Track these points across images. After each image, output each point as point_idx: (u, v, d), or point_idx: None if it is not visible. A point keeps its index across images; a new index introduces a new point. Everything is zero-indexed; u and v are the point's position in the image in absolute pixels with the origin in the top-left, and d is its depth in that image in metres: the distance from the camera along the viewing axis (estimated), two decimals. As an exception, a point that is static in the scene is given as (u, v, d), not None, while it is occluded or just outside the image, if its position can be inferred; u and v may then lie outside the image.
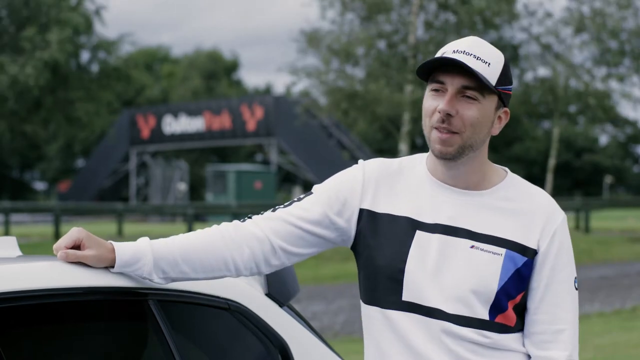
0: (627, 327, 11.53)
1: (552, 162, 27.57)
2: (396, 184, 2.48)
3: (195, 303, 2.66)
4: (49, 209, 30.16)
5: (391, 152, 43.63)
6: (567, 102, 27.42)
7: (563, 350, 2.40)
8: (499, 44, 25.95)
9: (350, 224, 2.48)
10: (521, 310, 2.43)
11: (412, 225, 2.42)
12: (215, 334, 2.75)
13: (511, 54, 26.79)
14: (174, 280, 2.49)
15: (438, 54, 2.40)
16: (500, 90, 2.39)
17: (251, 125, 41.71)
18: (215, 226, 2.53)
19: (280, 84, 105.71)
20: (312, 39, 24.36)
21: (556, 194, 40.03)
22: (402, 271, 2.39)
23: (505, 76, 2.40)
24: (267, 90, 70.49)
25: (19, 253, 2.74)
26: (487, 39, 24.84)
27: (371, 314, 2.45)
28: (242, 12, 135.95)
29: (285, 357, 2.78)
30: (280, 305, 2.87)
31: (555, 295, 2.41)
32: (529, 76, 27.83)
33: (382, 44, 24.10)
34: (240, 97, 50.48)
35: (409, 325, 2.39)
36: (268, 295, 2.87)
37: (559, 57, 26.57)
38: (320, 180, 2.71)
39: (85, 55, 32.45)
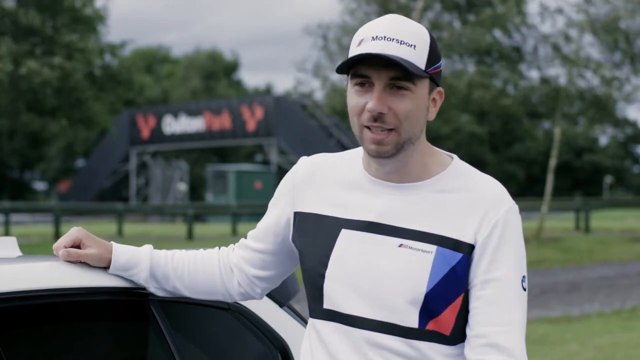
0: (627, 327, 11.52)
1: (553, 162, 27.57)
2: (327, 181, 2.28)
3: (195, 303, 2.65)
4: (49, 209, 30.15)
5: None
6: (570, 102, 27.38)
7: (500, 355, 2.10)
8: (504, 44, 25.99)
9: (288, 232, 2.34)
10: (464, 316, 2.15)
11: (338, 225, 2.20)
12: (215, 334, 2.75)
13: (516, 55, 26.80)
14: (169, 293, 2.48)
15: (355, 41, 2.14)
16: (431, 72, 2.14)
17: (251, 125, 41.70)
18: (217, 249, 2.50)
19: (282, 84, 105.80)
20: (325, 34, 24.68)
21: (556, 194, 40.03)
22: (322, 276, 2.19)
23: (434, 55, 2.14)
24: (267, 91, 70.47)
25: (19, 253, 2.73)
26: (490, 37, 24.98)
27: (308, 326, 2.31)
28: (250, 12, 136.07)
29: (285, 357, 2.78)
30: (280, 305, 2.87)
31: (494, 293, 2.11)
32: (533, 76, 27.86)
33: None
34: (240, 97, 50.47)
35: (332, 335, 2.19)
36: (268, 295, 2.86)
37: (567, 58, 26.52)
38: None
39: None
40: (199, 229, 30.18)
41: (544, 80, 27.21)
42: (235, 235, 27.78)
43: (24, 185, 67.27)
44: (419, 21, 23.33)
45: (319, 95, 26.15)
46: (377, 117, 2.11)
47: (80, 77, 28.43)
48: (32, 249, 20.22)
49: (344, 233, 2.19)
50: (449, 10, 24.01)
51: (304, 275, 2.29)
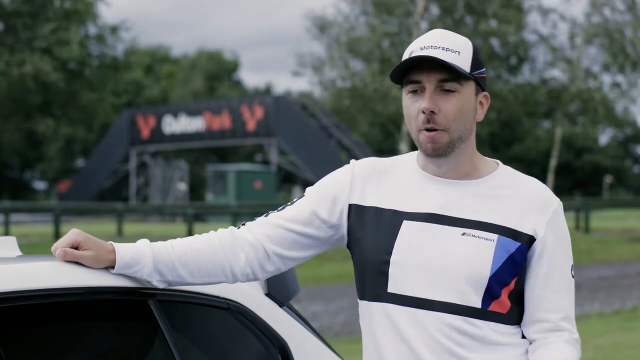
0: (627, 327, 11.53)
1: (553, 162, 27.56)
2: (385, 179, 2.49)
3: (195, 303, 2.66)
4: (49, 209, 30.17)
5: (391, 152, 43.59)
6: (570, 102, 27.36)
7: (565, 337, 2.41)
8: (501, 47, 25.99)
9: (341, 221, 2.49)
10: (516, 298, 2.41)
11: (399, 217, 2.42)
12: (215, 334, 2.75)
13: (516, 57, 26.80)
14: (170, 284, 2.50)
15: (406, 54, 2.40)
16: (476, 76, 2.40)
17: (251, 125, 41.69)
18: (212, 232, 2.53)
19: (282, 84, 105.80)
20: (322, 26, 24.70)
21: (556, 194, 40.03)
22: (387, 263, 2.39)
23: (477, 61, 2.41)
24: (267, 90, 70.47)
25: (19, 253, 2.73)
26: (487, 43, 24.99)
27: (364, 309, 2.46)
28: (250, 12, 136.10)
29: (285, 357, 2.78)
30: (280, 305, 2.87)
31: (555, 283, 2.40)
32: (534, 78, 27.82)
33: (385, 44, 24.18)
34: (240, 97, 50.43)
35: (399, 316, 2.37)
36: (268, 295, 2.87)
37: (568, 60, 26.50)
38: (320, 180, 2.72)
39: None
40: (199, 229, 30.17)
41: (544, 81, 27.20)
42: (235, 235, 27.70)
43: (24, 185, 67.29)
44: (420, 23, 23.31)
45: (317, 92, 26.14)
46: (430, 118, 2.36)
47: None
48: (32, 249, 20.22)
49: (406, 224, 2.41)
50: (449, 14, 24.00)
51: (362, 263, 2.45)
